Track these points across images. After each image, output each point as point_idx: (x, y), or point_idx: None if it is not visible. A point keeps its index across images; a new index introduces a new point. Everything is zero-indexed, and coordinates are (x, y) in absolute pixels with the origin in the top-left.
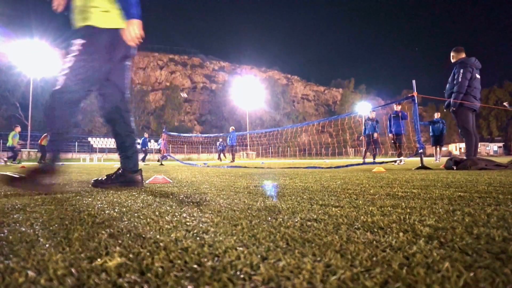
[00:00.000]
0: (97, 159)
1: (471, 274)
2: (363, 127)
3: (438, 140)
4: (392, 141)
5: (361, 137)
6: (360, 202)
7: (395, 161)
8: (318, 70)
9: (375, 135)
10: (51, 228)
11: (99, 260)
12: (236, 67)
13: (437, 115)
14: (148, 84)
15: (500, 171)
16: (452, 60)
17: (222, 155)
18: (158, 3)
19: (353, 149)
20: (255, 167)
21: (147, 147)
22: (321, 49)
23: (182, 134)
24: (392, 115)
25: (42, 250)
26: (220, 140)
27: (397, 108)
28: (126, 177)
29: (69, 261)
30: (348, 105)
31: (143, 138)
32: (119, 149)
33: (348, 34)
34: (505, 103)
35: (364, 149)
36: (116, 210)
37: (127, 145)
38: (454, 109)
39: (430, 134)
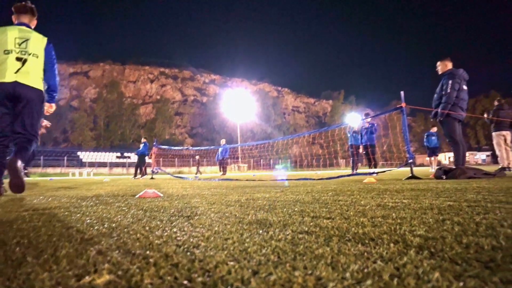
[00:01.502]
0: (87, 174)
1: (461, 283)
2: (349, 138)
3: (434, 152)
4: (364, 152)
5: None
6: (351, 213)
7: (371, 173)
8: (308, 82)
9: (360, 147)
10: (38, 245)
11: (87, 277)
12: (227, 79)
13: (433, 129)
14: (139, 98)
15: (488, 180)
16: (440, 71)
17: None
18: (149, 17)
19: (344, 160)
20: (247, 180)
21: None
22: (311, 61)
23: (172, 148)
24: (363, 128)
25: (29, 269)
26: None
27: (367, 121)
28: None
29: (56, 279)
30: (338, 116)
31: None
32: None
33: (338, 46)
34: (485, 115)
35: (351, 160)
36: (105, 225)
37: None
38: (441, 119)
39: (426, 145)
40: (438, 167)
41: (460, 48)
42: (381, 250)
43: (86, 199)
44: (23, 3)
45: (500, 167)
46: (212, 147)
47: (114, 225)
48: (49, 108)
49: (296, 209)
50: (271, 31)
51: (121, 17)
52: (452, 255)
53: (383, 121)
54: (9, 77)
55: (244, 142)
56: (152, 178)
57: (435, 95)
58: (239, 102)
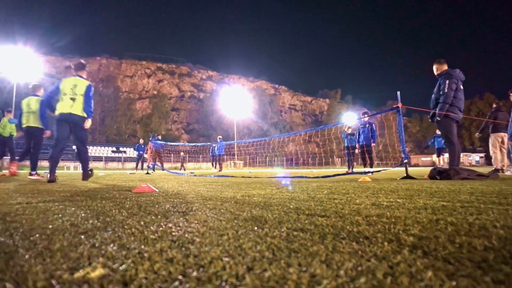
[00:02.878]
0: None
1: (453, 283)
2: (344, 140)
3: (440, 152)
4: (359, 150)
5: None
6: (346, 211)
7: (365, 173)
8: (305, 81)
9: (356, 146)
10: (31, 238)
11: (81, 271)
12: (224, 76)
13: (438, 131)
14: (135, 92)
15: (482, 181)
16: (436, 73)
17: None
18: (147, 11)
19: (340, 159)
20: (243, 177)
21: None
22: (309, 60)
23: (169, 143)
24: (360, 127)
25: (22, 261)
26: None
27: (364, 119)
28: None
29: (49, 272)
30: (334, 115)
31: (138, 145)
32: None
33: (335, 45)
34: (476, 134)
35: (347, 160)
36: (100, 220)
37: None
38: (439, 119)
39: (436, 147)
40: (432, 167)
41: (456, 49)
42: (375, 248)
43: (81, 193)
44: (80, 61)
45: (493, 168)
46: (201, 143)
47: (108, 219)
48: (86, 122)
49: (291, 206)
50: (269, 28)
51: (119, 12)
52: (445, 254)
53: (379, 120)
54: (66, 110)
55: (240, 139)
56: (147, 173)
57: (433, 96)
58: (236, 99)
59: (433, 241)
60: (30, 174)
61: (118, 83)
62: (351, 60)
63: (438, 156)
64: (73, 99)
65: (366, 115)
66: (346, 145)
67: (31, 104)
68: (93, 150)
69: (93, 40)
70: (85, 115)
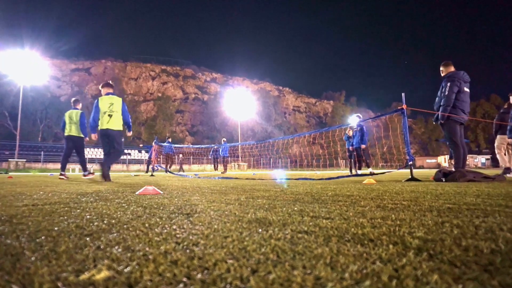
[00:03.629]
0: None
1: (460, 286)
2: (346, 143)
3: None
4: (353, 153)
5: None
6: (351, 214)
7: (356, 175)
8: (310, 82)
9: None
10: (37, 240)
11: (86, 273)
12: (228, 78)
13: None
14: (140, 95)
15: (488, 183)
16: (442, 74)
17: (217, 164)
18: (151, 14)
19: (344, 160)
20: (247, 178)
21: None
22: (313, 62)
23: (173, 145)
24: (354, 131)
25: (28, 263)
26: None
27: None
28: None
29: (55, 274)
30: (339, 117)
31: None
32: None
33: (339, 46)
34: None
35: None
36: (105, 221)
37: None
38: (442, 122)
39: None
40: (437, 169)
41: (461, 51)
42: (380, 251)
43: (86, 195)
44: (109, 82)
45: (504, 168)
46: (206, 145)
47: (113, 221)
48: (128, 133)
49: (295, 208)
50: (273, 30)
51: (123, 15)
52: (451, 257)
53: (383, 122)
54: (105, 126)
55: (244, 140)
56: (152, 175)
57: (437, 98)
58: (240, 101)
59: (439, 244)
60: (84, 175)
61: (123, 86)
62: (355, 61)
63: (451, 158)
64: (110, 116)
65: (358, 118)
66: (347, 147)
67: (73, 116)
68: (97, 152)
69: (98, 43)
70: (120, 128)
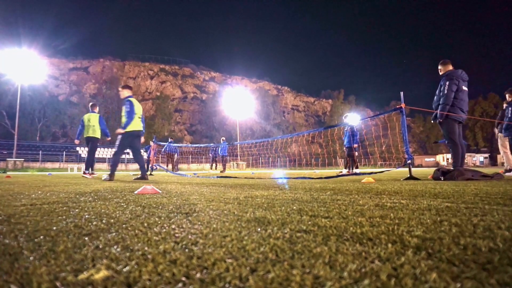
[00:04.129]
0: None
1: (458, 284)
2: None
3: None
4: (346, 153)
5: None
6: (349, 213)
7: (352, 174)
8: (308, 81)
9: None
10: (36, 240)
11: (85, 273)
12: (227, 77)
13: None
14: (139, 94)
15: (486, 182)
16: (440, 73)
17: (214, 164)
18: (149, 13)
19: (342, 159)
20: (245, 178)
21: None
22: (311, 60)
23: (172, 144)
24: (344, 130)
25: (26, 263)
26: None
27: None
28: None
29: (54, 274)
30: (337, 116)
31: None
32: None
33: (338, 45)
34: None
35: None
36: (103, 221)
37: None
38: (441, 120)
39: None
40: (436, 168)
41: (460, 49)
42: (379, 250)
43: (85, 195)
44: (128, 84)
45: (509, 168)
46: (205, 145)
47: (112, 220)
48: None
49: (294, 207)
50: (272, 29)
51: (121, 14)
52: (450, 256)
53: (382, 121)
54: (139, 128)
55: (243, 140)
56: (150, 174)
57: (435, 97)
58: (238, 100)
59: (437, 243)
60: (84, 173)
61: (121, 85)
62: (354, 60)
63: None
64: (140, 119)
65: (345, 119)
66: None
67: (91, 119)
68: (96, 152)
69: (96, 42)
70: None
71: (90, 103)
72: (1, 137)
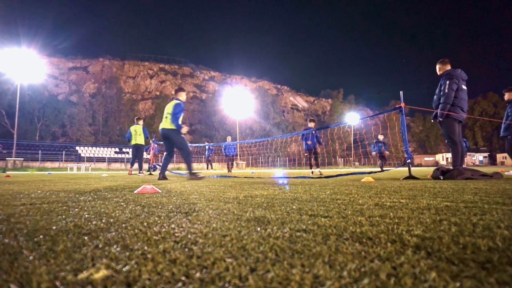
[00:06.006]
0: (85, 168)
1: (458, 283)
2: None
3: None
4: (306, 154)
5: (373, 152)
6: (349, 212)
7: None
8: (308, 81)
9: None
10: (35, 239)
11: (85, 272)
12: (227, 77)
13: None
14: (138, 93)
15: (486, 181)
16: (439, 72)
17: (210, 164)
18: (149, 13)
19: (342, 159)
20: (245, 177)
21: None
22: (311, 60)
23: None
24: (310, 131)
25: (26, 263)
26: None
27: (310, 125)
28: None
29: (53, 273)
30: (337, 115)
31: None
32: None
33: (337, 45)
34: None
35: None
36: (103, 221)
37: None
38: (441, 119)
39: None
40: (435, 167)
41: (459, 48)
42: (378, 249)
43: (84, 194)
44: (178, 87)
45: None
46: (205, 144)
47: (112, 220)
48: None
49: (294, 207)
50: (271, 28)
51: (121, 13)
52: (449, 255)
53: (382, 121)
54: (163, 126)
55: (243, 139)
56: (150, 174)
57: (435, 97)
58: (238, 100)
59: (437, 242)
60: (140, 173)
61: (121, 84)
62: (353, 60)
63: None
64: (166, 118)
65: (312, 122)
66: (375, 151)
67: (137, 130)
68: (95, 151)
69: (96, 41)
70: (174, 127)
71: (136, 117)
72: (1, 137)
